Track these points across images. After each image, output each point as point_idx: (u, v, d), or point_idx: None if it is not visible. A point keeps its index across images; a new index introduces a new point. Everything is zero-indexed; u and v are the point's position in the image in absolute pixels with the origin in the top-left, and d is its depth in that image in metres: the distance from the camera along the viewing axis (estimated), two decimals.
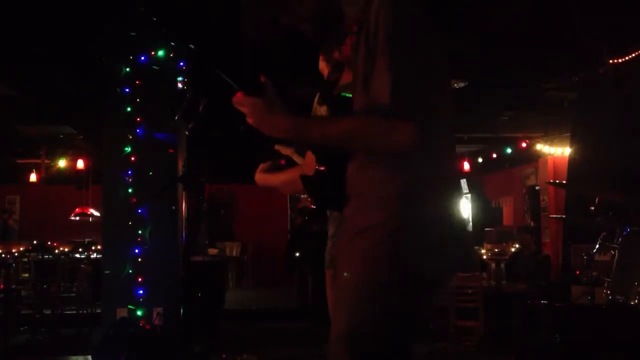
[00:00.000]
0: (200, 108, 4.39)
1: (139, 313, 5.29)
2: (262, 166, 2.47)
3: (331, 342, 1.60)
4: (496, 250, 9.48)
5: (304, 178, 1.72)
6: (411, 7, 1.61)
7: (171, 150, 5.51)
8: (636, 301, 4.01)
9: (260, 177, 2.50)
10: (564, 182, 7.83)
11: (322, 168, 1.68)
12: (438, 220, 1.60)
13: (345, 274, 1.61)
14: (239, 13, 1.85)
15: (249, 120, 1.66)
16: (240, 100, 1.66)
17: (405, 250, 1.55)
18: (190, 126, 5.39)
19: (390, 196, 1.57)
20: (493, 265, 9.12)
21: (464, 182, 10.32)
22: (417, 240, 1.56)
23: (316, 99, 2.34)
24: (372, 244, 1.57)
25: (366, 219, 1.59)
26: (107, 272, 5.44)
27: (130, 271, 5.32)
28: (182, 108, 5.02)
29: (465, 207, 10.36)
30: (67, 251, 8.55)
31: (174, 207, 5.50)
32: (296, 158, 3.01)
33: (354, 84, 1.66)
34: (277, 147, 3.14)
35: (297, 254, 9.21)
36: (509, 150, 11.44)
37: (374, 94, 1.54)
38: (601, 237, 4.60)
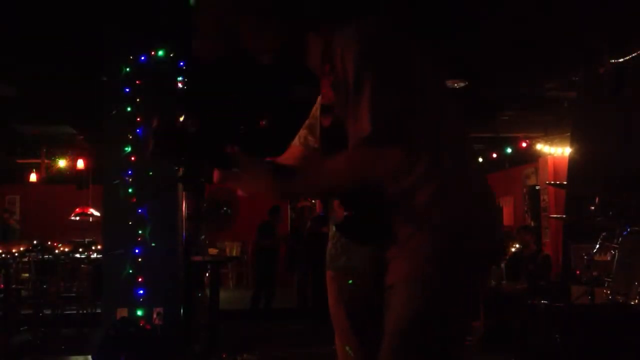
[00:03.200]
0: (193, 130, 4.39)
1: (139, 313, 5.29)
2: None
3: (388, 339, 1.61)
4: None
5: (337, 226, 1.74)
6: (377, 32, 1.61)
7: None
8: (636, 301, 4.02)
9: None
10: (564, 182, 7.83)
11: (349, 213, 1.69)
12: (474, 214, 1.63)
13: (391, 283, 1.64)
14: (194, 31, 1.81)
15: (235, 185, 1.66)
16: (220, 178, 1.65)
17: (452, 245, 1.59)
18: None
19: (427, 201, 1.60)
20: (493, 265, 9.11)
21: None
22: (460, 235, 1.60)
23: (319, 100, 2.32)
24: (421, 245, 1.60)
25: (412, 225, 1.62)
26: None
27: (131, 271, 5.32)
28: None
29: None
30: (67, 251, 8.55)
31: (173, 206, 5.50)
32: None
33: (346, 122, 1.66)
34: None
35: (297, 254, 9.22)
36: (509, 150, 11.44)
37: (358, 129, 1.55)
38: (601, 237, 4.60)
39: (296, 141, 2.26)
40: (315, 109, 2.23)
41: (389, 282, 1.66)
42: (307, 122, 2.20)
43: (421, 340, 1.58)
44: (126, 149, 5.47)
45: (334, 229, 2.62)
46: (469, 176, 1.66)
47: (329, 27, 1.67)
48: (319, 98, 2.22)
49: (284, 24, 1.71)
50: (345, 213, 1.69)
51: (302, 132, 2.23)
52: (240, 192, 1.69)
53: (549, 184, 10.58)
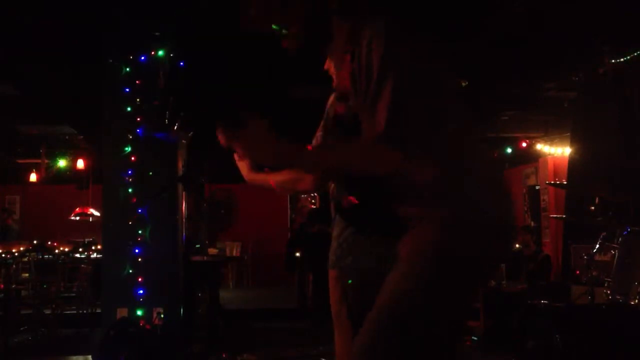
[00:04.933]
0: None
1: (139, 313, 5.29)
2: (245, 163, 2.45)
3: (376, 328, 1.62)
4: None
5: (341, 211, 1.79)
6: (402, 35, 1.67)
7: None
8: (636, 301, 4.02)
9: (253, 176, 2.48)
10: (564, 182, 7.83)
11: (352, 199, 1.74)
12: (485, 211, 1.66)
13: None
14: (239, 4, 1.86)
15: (242, 147, 1.71)
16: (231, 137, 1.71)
17: (457, 241, 1.62)
18: (190, 134, 5.39)
19: (437, 195, 1.65)
20: None
21: None
22: (468, 231, 1.63)
23: (331, 100, 2.31)
24: (427, 237, 1.63)
25: (419, 217, 1.66)
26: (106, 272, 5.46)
27: (130, 271, 5.32)
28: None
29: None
30: (67, 251, 8.55)
31: (173, 206, 5.51)
32: None
33: (361, 110, 1.72)
34: None
35: (297, 254, 9.21)
36: (509, 150, 11.44)
37: (374, 122, 1.62)
38: (601, 237, 4.60)
39: (314, 143, 2.27)
40: (330, 107, 2.23)
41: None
42: (322, 122, 2.21)
43: (407, 320, 1.59)
44: (126, 149, 5.47)
45: (338, 229, 2.62)
46: (480, 175, 1.70)
47: (356, 17, 1.72)
48: (332, 97, 2.23)
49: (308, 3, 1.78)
50: (349, 200, 1.73)
51: (319, 133, 2.24)
52: (245, 158, 1.74)
53: (549, 184, 10.58)
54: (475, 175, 1.69)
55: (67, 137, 11.07)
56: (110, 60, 5.55)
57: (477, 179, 1.69)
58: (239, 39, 5.89)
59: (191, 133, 5.77)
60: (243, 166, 2.47)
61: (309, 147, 2.06)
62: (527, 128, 10.69)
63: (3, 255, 7.35)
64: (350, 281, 2.31)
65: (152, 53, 5.54)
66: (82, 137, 10.88)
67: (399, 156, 1.62)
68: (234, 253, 12.51)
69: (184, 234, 5.66)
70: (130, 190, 5.43)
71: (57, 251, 8.38)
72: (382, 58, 1.60)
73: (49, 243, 8.71)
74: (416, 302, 1.60)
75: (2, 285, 6.81)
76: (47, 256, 7.90)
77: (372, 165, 1.66)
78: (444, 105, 1.70)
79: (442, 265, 1.61)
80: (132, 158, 5.46)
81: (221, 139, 1.74)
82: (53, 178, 12.32)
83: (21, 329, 6.87)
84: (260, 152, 1.69)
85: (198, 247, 5.99)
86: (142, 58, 5.54)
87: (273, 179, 2.40)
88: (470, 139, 1.74)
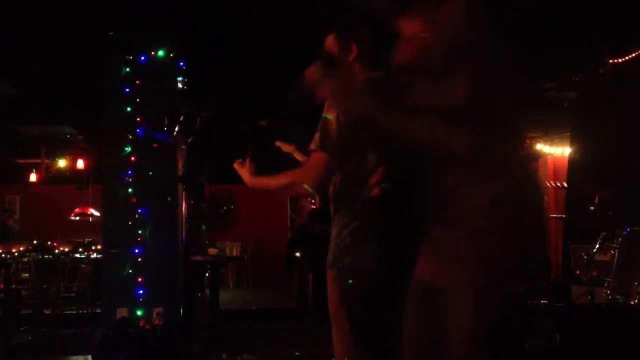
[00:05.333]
0: (197, 122, 4.43)
1: (139, 313, 5.29)
2: (246, 169, 2.50)
3: (461, 344, 1.67)
4: None
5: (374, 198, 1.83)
6: (482, 14, 1.71)
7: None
8: (636, 301, 4.02)
9: (254, 181, 2.51)
10: (564, 183, 7.84)
11: (386, 185, 1.76)
12: (532, 220, 1.70)
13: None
14: None
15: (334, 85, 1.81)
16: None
17: (510, 250, 1.67)
18: (189, 140, 5.40)
19: (490, 201, 1.65)
20: None
21: None
22: (518, 239, 1.66)
23: (328, 104, 2.31)
24: (481, 248, 1.66)
25: (472, 224, 1.67)
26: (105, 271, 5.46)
27: (130, 271, 5.32)
28: (180, 123, 5.04)
29: None
30: (67, 251, 8.54)
31: (173, 206, 5.51)
32: (297, 155, 3.00)
33: (423, 80, 1.73)
34: (277, 143, 3.12)
35: (297, 254, 9.21)
36: None
37: (451, 98, 1.61)
38: (601, 237, 4.60)
39: (312, 147, 2.27)
40: (326, 110, 2.22)
41: (444, 283, 1.71)
42: (319, 126, 2.21)
43: (494, 344, 1.67)
44: (126, 149, 5.47)
45: (336, 229, 2.63)
46: (528, 180, 1.73)
47: None
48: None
49: None
50: (383, 186, 1.75)
51: (317, 135, 2.24)
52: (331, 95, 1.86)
53: (549, 184, 10.58)
54: (529, 188, 1.72)
55: (67, 137, 11.08)
56: (111, 60, 5.55)
57: (532, 192, 1.73)
58: (238, 40, 5.89)
59: (191, 138, 5.77)
60: (243, 172, 2.51)
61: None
62: (527, 128, 10.69)
63: (3, 255, 7.35)
64: (350, 281, 2.31)
65: (152, 53, 5.54)
66: (82, 137, 10.88)
67: (474, 135, 1.61)
68: (234, 253, 12.51)
69: (184, 234, 5.66)
70: (130, 190, 5.43)
71: (57, 251, 8.38)
72: (466, 35, 1.62)
73: (49, 243, 8.70)
74: (495, 327, 1.67)
75: (2, 285, 6.81)
76: (47, 256, 7.89)
77: (449, 142, 1.63)
78: (508, 92, 1.72)
79: (501, 288, 1.67)
80: (132, 158, 5.45)
81: (312, 73, 1.80)
82: (53, 178, 12.32)
83: (21, 329, 6.86)
84: (348, 94, 1.75)
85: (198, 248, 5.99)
86: (142, 58, 5.54)
87: (272, 182, 2.43)
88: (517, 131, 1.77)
